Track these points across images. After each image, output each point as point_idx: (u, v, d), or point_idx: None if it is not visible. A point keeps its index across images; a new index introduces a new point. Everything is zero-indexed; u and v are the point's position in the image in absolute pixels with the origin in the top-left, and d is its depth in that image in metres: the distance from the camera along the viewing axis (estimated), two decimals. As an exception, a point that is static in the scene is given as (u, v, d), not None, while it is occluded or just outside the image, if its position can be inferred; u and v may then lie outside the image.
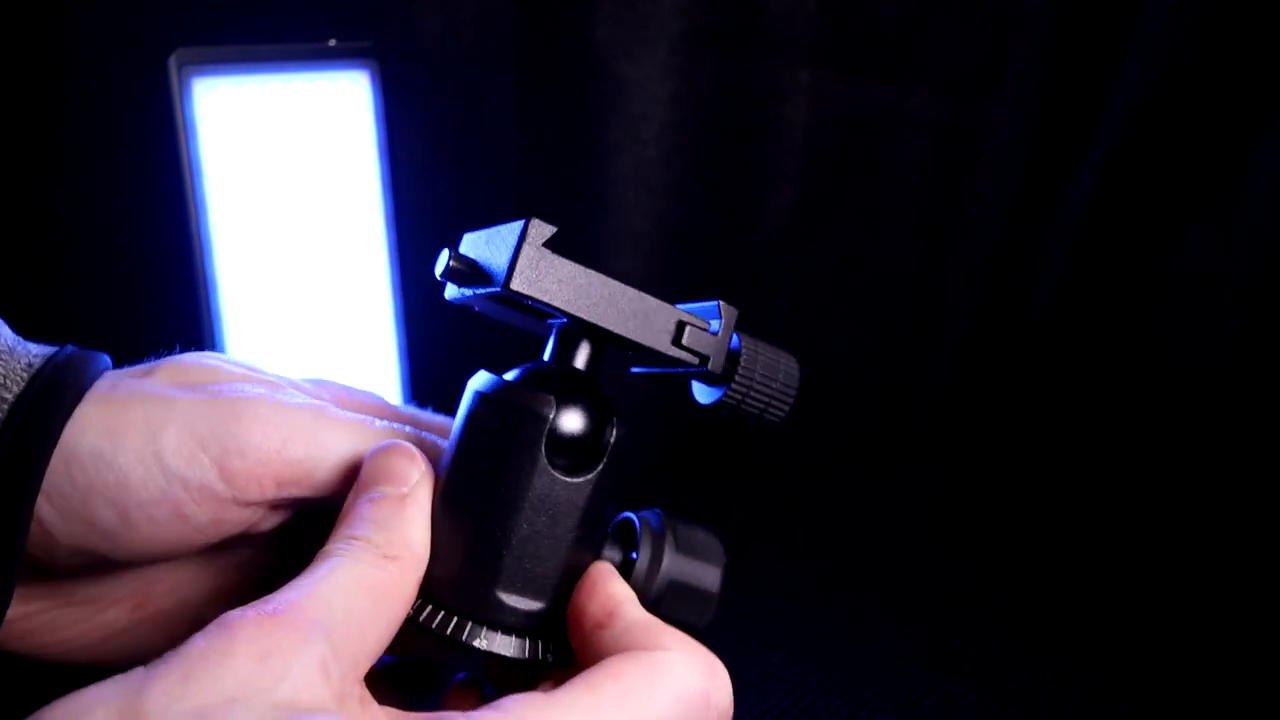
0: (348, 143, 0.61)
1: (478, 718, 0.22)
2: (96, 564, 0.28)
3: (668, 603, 0.28)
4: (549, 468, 0.26)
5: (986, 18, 0.72)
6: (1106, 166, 0.73)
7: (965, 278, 0.79)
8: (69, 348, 0.28)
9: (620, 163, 0.70)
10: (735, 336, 0.30)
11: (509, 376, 0.28)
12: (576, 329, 0.28)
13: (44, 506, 0.25)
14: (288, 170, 0.60)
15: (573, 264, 0.27)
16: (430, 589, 0.26)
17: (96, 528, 0.26)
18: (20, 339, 0.28)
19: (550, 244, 0.27)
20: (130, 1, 0.64)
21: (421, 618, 0.26)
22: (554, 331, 0.29)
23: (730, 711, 0.25)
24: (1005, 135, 0.75)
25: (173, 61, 0.56)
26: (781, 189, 0.75)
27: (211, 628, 0.22)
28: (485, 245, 0.28)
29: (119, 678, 0.21)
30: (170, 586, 0.32)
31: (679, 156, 0.71)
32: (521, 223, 0.27)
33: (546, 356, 0.29)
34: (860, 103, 0.73)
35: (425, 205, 0.69)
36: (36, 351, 0.27)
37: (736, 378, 0.29)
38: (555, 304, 0.26)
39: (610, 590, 0.27)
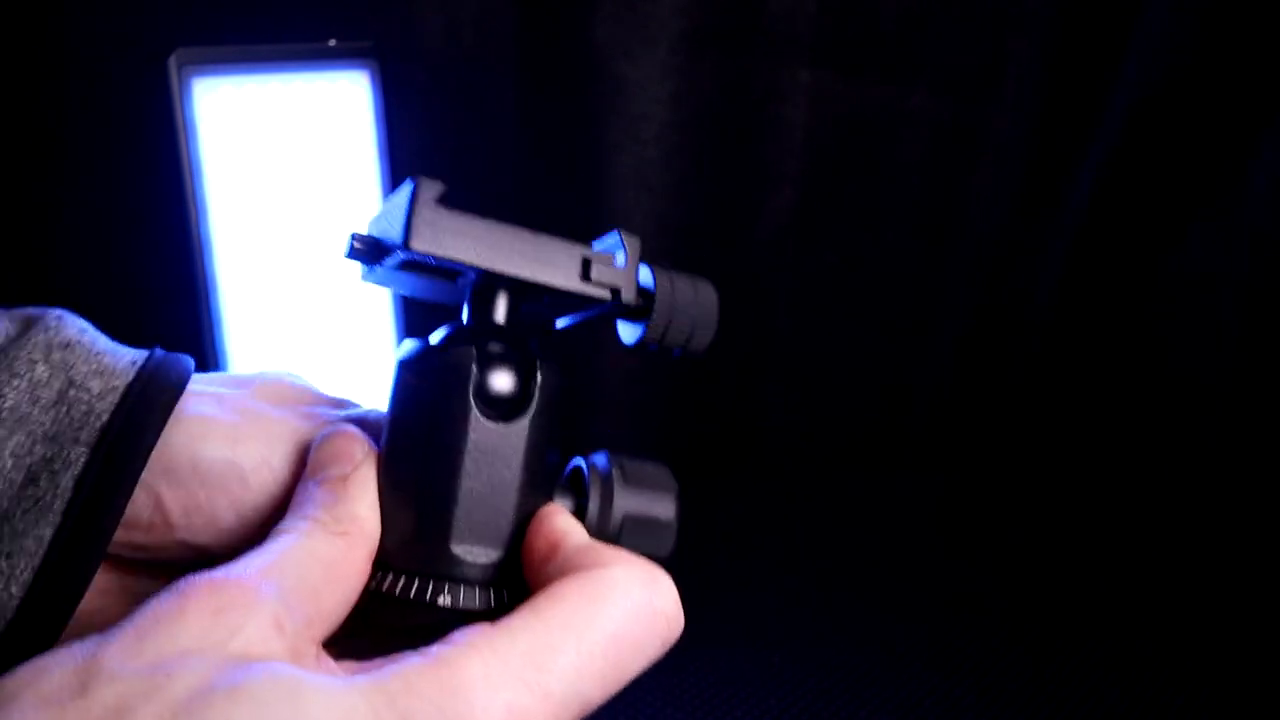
0: (348, 143, 0.61)
1: (430, 653, 0.23)
2: (201, 558, 0.29)
3: (626, 538, 0.29)
4: (481, 418, 0.26)
5: (986, 18, 0.72)
6: (1106, 166, 0.73)
7: (965, 278, 0.79)
8: (159, 350, 0.30)
9: (620, 163, 0.70)
10: (649, 270, 0.30)
11: (432, 340, 0.28)
12: (487, 283, 0.29)
13: (168, 498, 0.27)
14: (288, 170, 0.60)
15: (469, 216, 0.27)
16: (388, 560, 0.26)
17: (215, 525, 0.28)
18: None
19: (444, 200, 0.27)
20: (130, 1, 0.64)
21: (383, 587, 0.26)
22: (467, 291, 0.29)
23: (680, 616, 0.26)
24: (1005, 135, 0.75)
25: (173, 61, 0.56)
26: (781, 189, 0.75)
27: (164, 592, 0.22)
28: (383, 219, 0.29)
29: (76, 643, 0.21)
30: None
31: (679, 156, 0.71)
32: (410, 183, 0.26)
33: (464, 317, 0.29)
34: (860, 103, 0.73)
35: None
36: (132, 354, 0.29)
37: (655, 309, 0.30)
38: (457, 257, 0.27)
39: (554, 525, 0.27)
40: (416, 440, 0.27)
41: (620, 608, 0.24)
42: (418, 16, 0.68)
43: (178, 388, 0.28)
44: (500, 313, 0.29)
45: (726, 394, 0.79)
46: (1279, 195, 0.68)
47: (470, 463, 0.26)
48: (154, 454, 0.27)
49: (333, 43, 0.60)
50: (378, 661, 0.23)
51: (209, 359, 0.59)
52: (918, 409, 0.82)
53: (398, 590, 0.26)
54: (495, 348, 0.27)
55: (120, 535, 0.27)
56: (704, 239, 0.75)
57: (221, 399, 0.29)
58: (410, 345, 0.28)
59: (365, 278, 0.31)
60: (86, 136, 0.66)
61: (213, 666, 0.21)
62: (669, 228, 0.73)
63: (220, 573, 0.23)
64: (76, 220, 0.67)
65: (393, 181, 0.63)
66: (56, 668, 0.21)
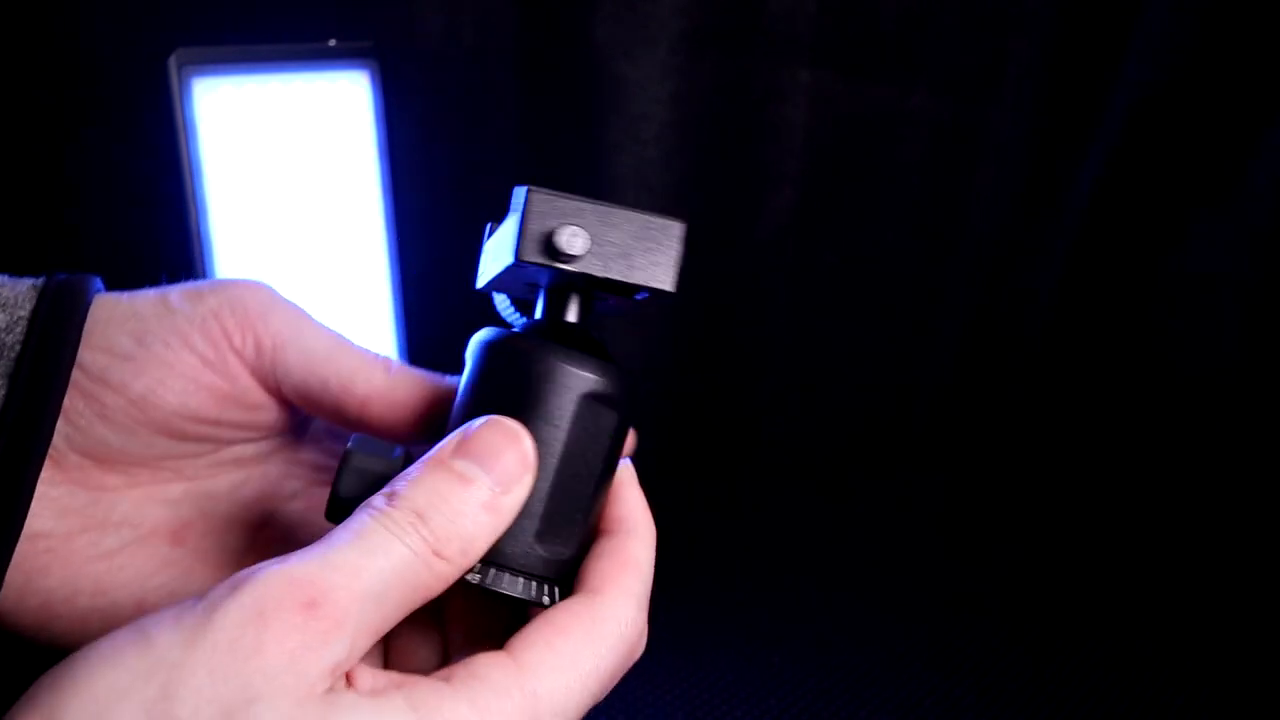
0: (348, 143, 0.61)
1: (459, 685, 0.23)
2: (134, 447, 0.30)
3: None
4: (585, 415, 0.27)
5: (986, 18, 0.72)
6: (1106, 166, 0.73)
7: (965, 278, 0.79)
8: (59, 274, 0.32)
9: (620, 163, 0.70)
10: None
11: (526, 335, 0.28)
12: (587, 285, 0.29)
13: (84, 405, 0.29)
14: (288, 170, 0.60)
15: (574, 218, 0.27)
16: None
17: (131, 426, 0.29)
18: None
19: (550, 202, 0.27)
20: (130, 1, 0.64)
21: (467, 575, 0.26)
22: (567, 290, 0.30)
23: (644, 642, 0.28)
24: (1005, 135, 0.75)
25: (173, 61, 0.56)
26: (781, 189, 0.75)
27: (246, 605, 0.21)
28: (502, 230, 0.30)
29: (136, 660, 0.21)
30: (207, 526, 0.33)
31: (679, 156, 0.71)
32: (524, 194, 0.26)
33: (541, 313, 0.30)
34: (860, 103, 0.73)
35: (425, 205, 0.69)
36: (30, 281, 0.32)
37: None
38: (570, 268, 0.27)
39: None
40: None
41: (616, 650, 0.25)
42: (418, 16, 0.68)
43: (83, 311, 0.30)
44: (574, 311, 0.29)
45: (726, 394, 0.79)
46: (1279, 195, 0.68)
47: (568, 459, 0.27)
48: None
49: (333, 43, 0.60)
50: (400, 677, 0.23)
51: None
52: (918, 409, 0.82)
53: (473, 579, 0.26)
54: (596, 350, 0.28)
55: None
56: (704, 239, 0.75)
57: (138, 334, 0.30)
58: (509, 336, 0.28)
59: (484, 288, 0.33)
60: (86, 136, 0.66)
61: (289, 713, 0.21)
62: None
63: (305, 595, 0.22)
64: (76, 220, 0.67)
65: (393, 181, 0.63)
66: (124, 701, 0.20)
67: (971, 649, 0.57)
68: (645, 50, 0.68)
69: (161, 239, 0.62)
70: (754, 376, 0.78)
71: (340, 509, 0.27)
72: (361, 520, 0.24)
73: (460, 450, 0.25)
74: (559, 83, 0.70)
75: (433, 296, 0.68)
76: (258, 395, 0.31)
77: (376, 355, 0.32)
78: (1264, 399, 0.71)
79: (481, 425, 0.25)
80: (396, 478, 0.25)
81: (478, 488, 0.25)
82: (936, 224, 0.78)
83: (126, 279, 0.67)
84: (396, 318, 0.65)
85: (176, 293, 0.31)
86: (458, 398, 0.28)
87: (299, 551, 0.23)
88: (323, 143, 0.60)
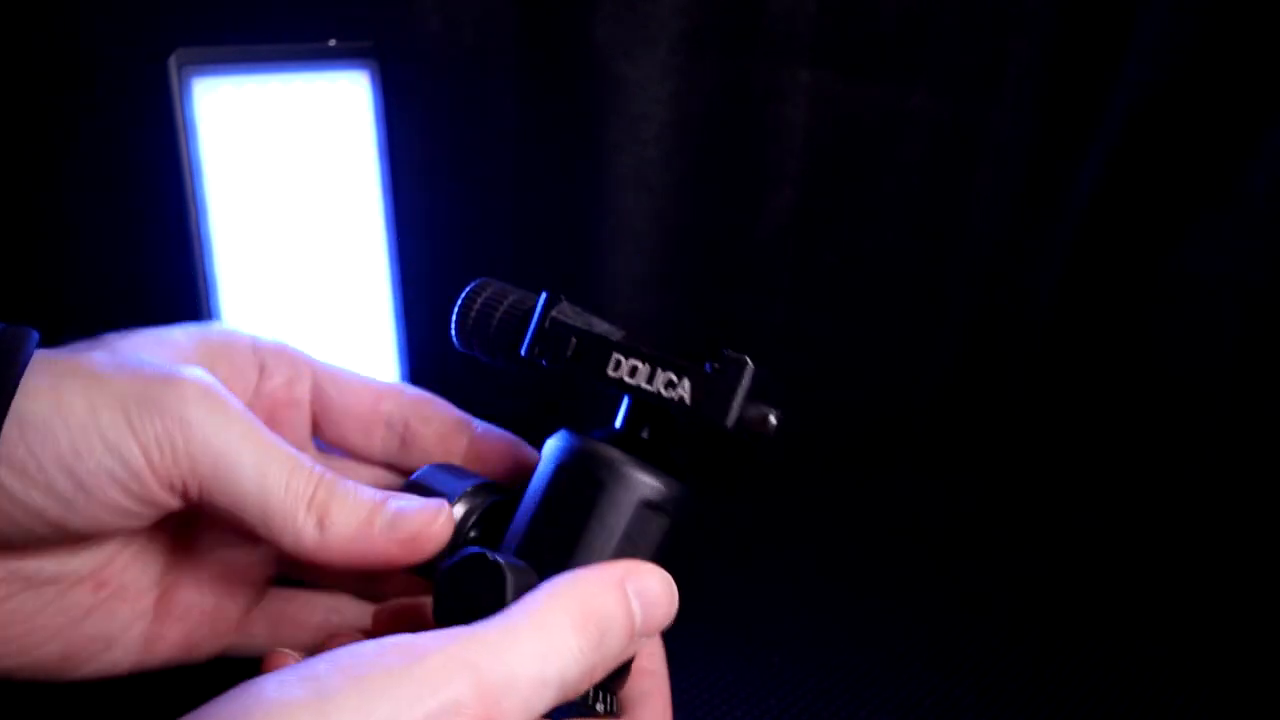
0: (348, 143, 0.61)
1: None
2: (57, 535, 0.29)
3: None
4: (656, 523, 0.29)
5: (986, 18, 0.72)
6: (1106, 166, 0.73)
7: (965, 278, 0.79)
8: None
9: (620, 163, 0.70)
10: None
11: (619, 452, 0.29)
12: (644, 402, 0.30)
13: (4, 474, 0.26)
14: (288, 170, 0.60)
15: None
16: None
17: (54, 494, 0.27)
18: None
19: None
20: (130, 1, 0.64)
21: None
22: (626, 406, 0.31)
23: None
24: (1005, 135, 0.75)
25: (173, 61, 0.55)
26: (781, 189, 0.75)
27: (424, 678, 0.23)
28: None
29: None
30: (126, 562, 0.33)
31: (679, 156, 0.71)
32: (750, 372, 0.29)
33: (621, 424, 0.31)
34: (860, 103, 0.73)
35: (425, 205, 0.69)
36: None
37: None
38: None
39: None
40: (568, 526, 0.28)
41: None
42: (418, 16, 0.68)
43: (12, 381, 0.27)
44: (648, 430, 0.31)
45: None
46: (1279, 195, 0.68)
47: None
48: None
49: (333, 43, 0.60)
50: None
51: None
52: (918, 409, 0.82)
53: None
54: (672, 469, 0.30)
55: None
56: (704, 239, 0.75)
57: (57, 356, 0.28)
58: (619, 453, 0.29)
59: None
60: (86, 137, 0.66)
61: None
62: (669, 228, 0.73)
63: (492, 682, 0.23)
64: (75, 221, 0.67)
65: (393, 181, 0.63)
66: None
67: (971, 649, 0.57)
68: (645, 50, 0.68)
69: (161, 239, 0.62)
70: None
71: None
72: (560, 635, 0.25)
73: (637, 591, 0.28)
74: (559, 83, 0.70)
75: (433, 297, 0.68)
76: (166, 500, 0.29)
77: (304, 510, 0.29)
78: (1264, 399, 0.71)
79: (659, 577, 0.29)
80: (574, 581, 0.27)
81: (634, 629, 0.28)
82: (936, 224, 0.78)
83: (126, 280, 0.67)
84: (396, 318, 0.65)
85: (108, 429, 0.27)
86: (542, 492, 0.29)
87: (478, 636, 0.24)
88: (323, 143, 0.60)
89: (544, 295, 0.30)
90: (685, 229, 0.73)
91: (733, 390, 0.28)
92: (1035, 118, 0.75)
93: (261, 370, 0.34)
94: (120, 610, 0.32)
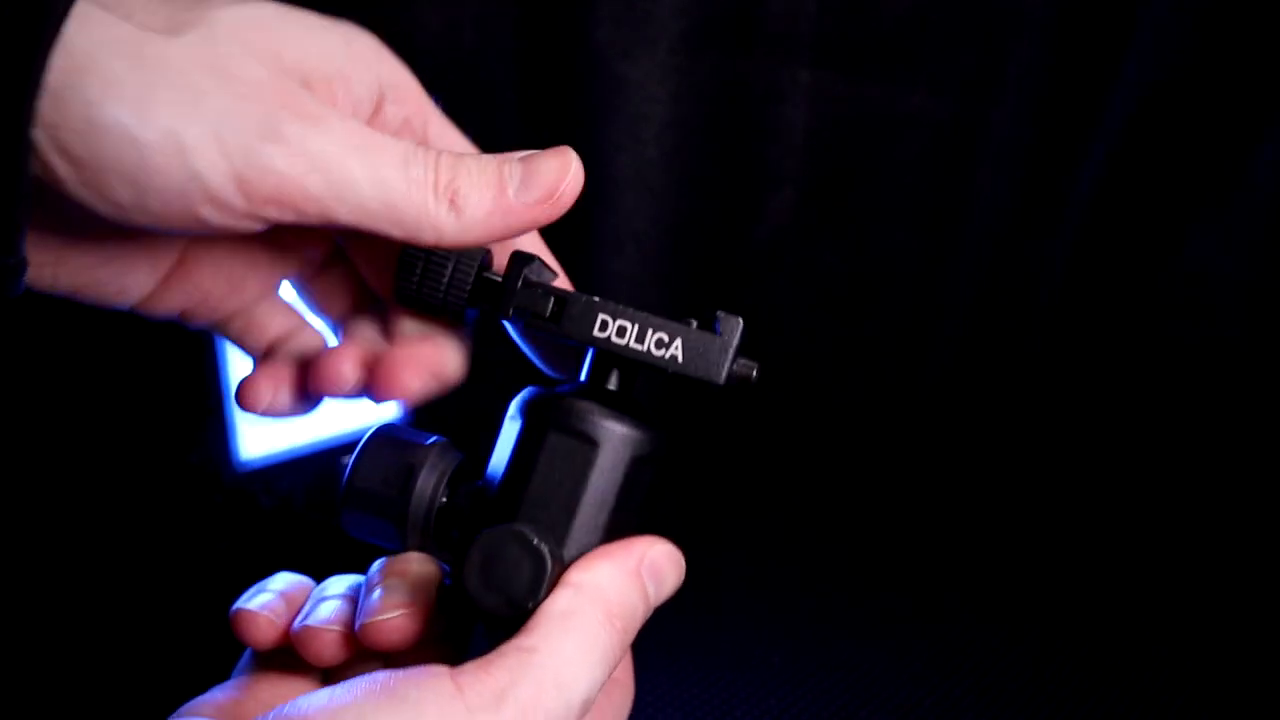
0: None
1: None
2: (107, 233, 0.27)
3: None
4: (635, 474, 0.29)
5: (986, 18, 0.72)
6: (1107, 166, 0.73)
7: (966, 278, 0.79)
8: None
9: (620, 163, 0.70)
10: None
11: (588, 400, 0.29)
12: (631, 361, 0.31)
13: (61, 166, 0.23)
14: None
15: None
16: None
17: (110, 200, 0.24)
18: None
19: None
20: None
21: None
22: (591, 359, 0.31)
23: None
24: (1005, 135, 0.75)
25: (173, 61, 0.55)
26: (781, 189, 0.75)
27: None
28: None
29: None
30: (212, 266, 0.31)
31: (679, 156, 0.71)
32: (740, 326, 0.29)
33: (587, 378, 0.31)
34: (860, 103, 0.73)
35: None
36: None
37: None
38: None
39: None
40: (588, 488, 0.29)
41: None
42: (418, 16, 0.68)
43: (58, 16, 0.22)
44: (615, 380, 0.31)
45: (725, 394, 0.78)
46: (1279, 195, 0.68)
47: (619, 511, 0.29)
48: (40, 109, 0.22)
49: (333, 43, 0.59)
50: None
51: (209, 361, 0.59)
52: (918, 408, 0.82)
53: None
54: (650, 420, 0.30)
55: None
56: (704, 239, 0.75)
57: (143, 46, 0.23)
58: (561, 401, 0.29)
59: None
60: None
61: None
62: (669, 228, 0.73)
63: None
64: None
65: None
66: None
67: (971, 649, 0.57)
68: (645, 50, 0.68)
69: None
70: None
71: (359, 501, 0.29)
72: (596, 647, 0.26)
73: (649, 569, 0.28)
74: (559, 83, 0.70)
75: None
76: None
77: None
78: (1264, 399, 0.71)
79: (665, 550, 0.29)
80: (590, 572, 0.27)
81: (649, 605, 0.28)
82: (936, 224, 0.78)
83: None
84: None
85: (194, 152, 0.24)
86: (516, 453, 0.29)
87: (536, 664, 0.25)
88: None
89: (512, 253, 0.29)
90: (685, 229, 0.73)
91: (726, 350, 0.29)
92: (1035, 118, 0.75)
93: (378, 105, 0.30)
94: (198, 291, 0.30)
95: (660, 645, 0.52)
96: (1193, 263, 0.73)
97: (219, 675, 0.31)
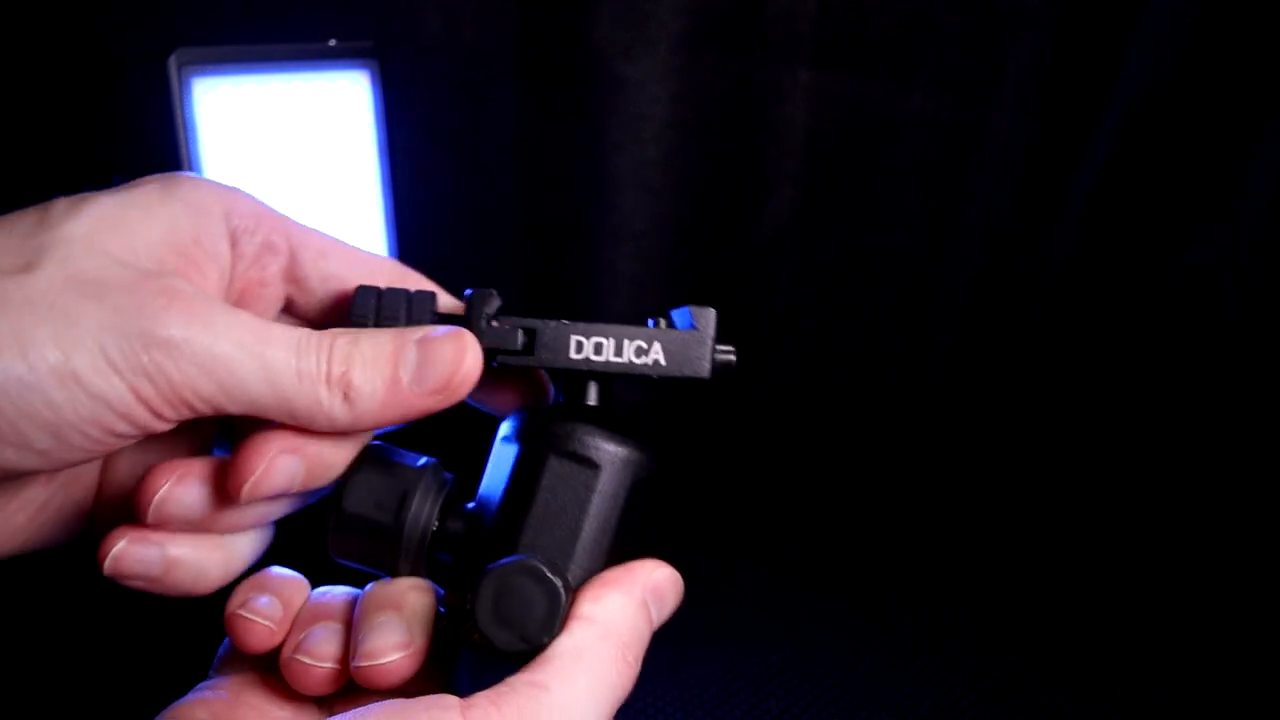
0: (348, 142, 0.61)
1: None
2: (32, 471, 0.26)
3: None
4: (637, 495, 0.29)
5: (986, 18, 0.72)
6: (1106, 166, 0.73)
7: (965, 278, 0.79)
8: None
9: (620, 163, 0.70)
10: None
11: (583, 427, 0.29)
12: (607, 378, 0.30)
13: None
14: (288, 170, 0.60)
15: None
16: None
17: (32, 450, 0.24)
18: None
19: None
20: (130, 1, 0.64)
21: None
22: (564, 379, 0.31)
23: None
24: (1005, 135, 0.75)
25: (173, 61, 0.55)
26: (781, 189, 0.75)
27: None
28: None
29: None
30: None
31: (679, 156, 0.71)
32: (714, 319, 0.29)
33: (566, 396, 0.30)
34: (860, 103, 0.73)
35: (425, 205, 0.69)
36: None
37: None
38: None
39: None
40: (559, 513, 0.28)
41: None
42: (418, 16, 0.68)
43: None
44: (594, 395, 0.31)
45: (725, 394, 0.79)
46: (1279, 195, 0.68)
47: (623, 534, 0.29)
48: None
49: (333, 43, 0.60)
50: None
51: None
52: (917, 409, 0.82)
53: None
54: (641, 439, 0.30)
55: None
56: (704, 239, 0.75)
57: (4, 288, 0.23)
58: (570, 423, 0.29)
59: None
60: (86, 137, 0.66)
61: None
62: (669, 228, 0.73)
63: None
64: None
65: (393, 181, 0.63)
66: None
67: (971, 649, 0.57)
68: (645, 50, 0.68)
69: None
70: (754, 376, 0.78)
71: (350, 526, 0.28)
72: (606, 678, 0.26)
73: (652, 592, 0.28)
74: (559, 83, 0.70)
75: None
76: None
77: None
78: (1264, 399, 0.71)
79: (666, 575, 0.29)
80: (595, 602, 0.27)
81: (651, 628, 0.28)
82: (936, 224, 0.78)
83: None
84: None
85: (87, 375, 0.24)
86: (514, 478, 0.29)
87: (546, 700, 0.25)
88: (323, 143, 0.60)
89: (467, 292, 0.28)
90: (685, 229, 0.73)
91: (705, 343, 0.29)
92: (1035, 118, 0.75)
93: (234, 243, 0.30)
94: (76, 493, 0.30)
95: (660, 646, 0.52)
96: (1193, 262, 0.73)
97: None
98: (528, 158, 0.72)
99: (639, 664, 0.27)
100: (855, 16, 0.71)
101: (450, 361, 0.27)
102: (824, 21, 0.71)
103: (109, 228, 0.26)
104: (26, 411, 0.23)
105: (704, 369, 0.29)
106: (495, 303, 0.29)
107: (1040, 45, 0.73)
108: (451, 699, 0.24)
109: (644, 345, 0.28)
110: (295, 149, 0.60)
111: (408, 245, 0.64)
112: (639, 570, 0.29)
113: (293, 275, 0.31)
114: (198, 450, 0.31)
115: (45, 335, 0.23)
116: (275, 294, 0.31)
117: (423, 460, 0.30)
